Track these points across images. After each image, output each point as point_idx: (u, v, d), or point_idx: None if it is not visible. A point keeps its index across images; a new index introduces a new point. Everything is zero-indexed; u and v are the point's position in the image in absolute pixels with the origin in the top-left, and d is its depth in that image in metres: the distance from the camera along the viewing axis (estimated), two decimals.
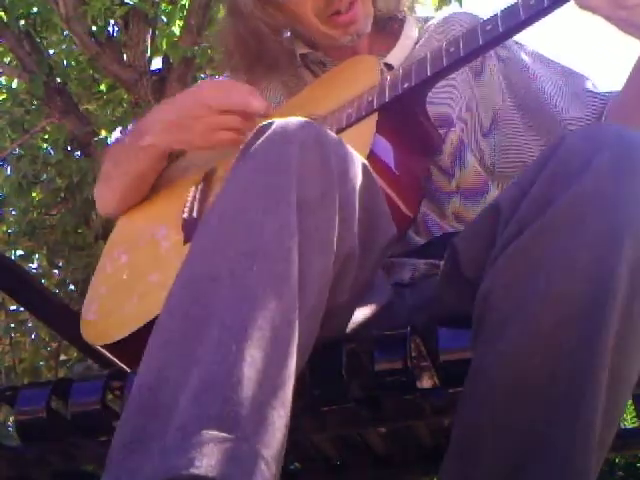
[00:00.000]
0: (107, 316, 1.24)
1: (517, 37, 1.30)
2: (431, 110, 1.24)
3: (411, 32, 1.42)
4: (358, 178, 0.93)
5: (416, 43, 1.41)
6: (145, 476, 0.67)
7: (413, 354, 0.98)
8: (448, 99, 1.33)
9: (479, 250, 0.92)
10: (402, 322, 1.08)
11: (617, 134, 0.85)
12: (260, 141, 0.87)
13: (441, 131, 1.28)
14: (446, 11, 4.50)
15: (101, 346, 1.20)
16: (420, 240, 1.26)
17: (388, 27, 1.44)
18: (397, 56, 1.38)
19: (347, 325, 1.02)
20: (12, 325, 5.20)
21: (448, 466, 0.84)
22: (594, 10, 1.05)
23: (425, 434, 1.17)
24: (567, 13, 1.09)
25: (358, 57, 1.38)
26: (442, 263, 1.07)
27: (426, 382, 1.03)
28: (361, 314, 1.05)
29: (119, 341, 1.16)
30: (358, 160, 0.95)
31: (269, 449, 0.71)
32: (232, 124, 1.25)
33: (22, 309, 4.75)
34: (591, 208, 0.80)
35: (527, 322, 0.80)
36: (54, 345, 5.04)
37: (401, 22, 1.43)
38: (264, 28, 1.38)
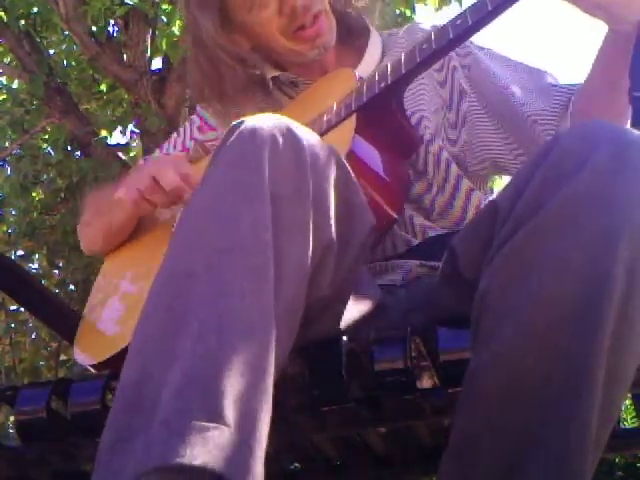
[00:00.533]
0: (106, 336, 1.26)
1: (480, 39, 1.35)
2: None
3: (376, 45, 1.43)
4: (332, 170, 0.93)
5: (383, 56, 1.42)
6: (129, 475, 0.68)
7: (413, 354, 0.98)
8: (421, 104, 1.34)
9: (478, 251, 0.92)
10: (397, 323, 1.08)
11: (613, 133, 0.85)
12: (232, 139, 0.88)
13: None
14: (446, 11, 4.51)
15: (92, 365, 1.21)
16: (414, 241, 1.27)
17: (355, 43, 1.44)
18: (365, 69, 1.39)
19: (339, 323, 1.02)
20: (12, 325, 5.21)
21: (447, 466, 0.84)
22: None
23: (425, 434, 1.17)
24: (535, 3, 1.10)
25: (334, 72, 1.39)
26: (439, 264, 1.07)
27: (426, 382, 1.03)
28: (355, 314, 1.05)
29: (110, 360, 1.17)
30: (332, 153, 0.95)
31: (252, 437, 0.72)
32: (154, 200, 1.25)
33: (22, 309, 4.76)
34: (585, 208, 0.80)
35: (521, 323, 0.80)
36: (54, 345, 5.05)
37: (366, 37, 1.44)
38: (225, 58, 1.37)
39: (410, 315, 1.12)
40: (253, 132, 0.87)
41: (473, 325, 0.87)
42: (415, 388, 0.98)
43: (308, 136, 0.91)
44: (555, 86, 1.35)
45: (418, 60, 1.15)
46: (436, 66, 1.34)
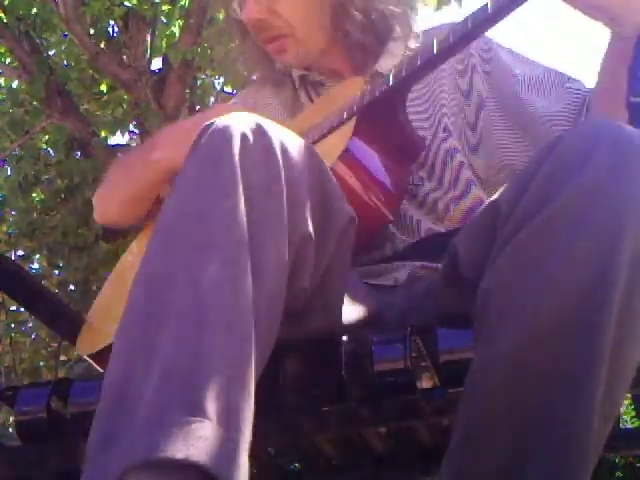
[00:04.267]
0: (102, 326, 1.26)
1: (497, 38, 1.39)
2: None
3: (399, 48, 1.41)
4: (305, 163, 0.94)
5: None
6: (114, 472, 0.69)
7: (413, 354, 0.98)
8: (442, 101, 1.35)
9: (479, 250, 0.92)
10: (397, 323, 1.09)
11: (615, 130, 0.86)
12: (203, 139, 0.89)
13: (436, 138, 1.31)
14: (446, 11, 4.51)
15: (90, 356, 1.22)
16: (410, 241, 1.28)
17: (379, 45, 1.43)
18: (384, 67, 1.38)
19: (333, 318, 1.02)
20: (12, 325, 5.21)
21: (449, 464, 0.84)
22: None
23: (425, 434, 1.17)
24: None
25: (347, 79, 1.41)
26: (439, 265, 1.07)
27: (426, 382, 1.03)
28: (354, 315, 1.05)
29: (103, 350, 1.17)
30: (306, 146, 0.96)
31: (234, 430, 0.73)
32: None
33: (22, 309, 4.76)
34: (591, 203, 0.81)
35: (526, 319, 0.80)
36: (54, 345, 5.05)
37: (387, 40, 1.42)
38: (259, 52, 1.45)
39: (410, 315, 1.12)
40: (223, 131, 0.88)
41: (476, 323, 0.87)
42: (415, 388, 0.98)
43: (278, 131, 0.92)
44: (571, 88, 1.36)
45: (419, 63, 1.16)
46: (457, 57, 1.35)
